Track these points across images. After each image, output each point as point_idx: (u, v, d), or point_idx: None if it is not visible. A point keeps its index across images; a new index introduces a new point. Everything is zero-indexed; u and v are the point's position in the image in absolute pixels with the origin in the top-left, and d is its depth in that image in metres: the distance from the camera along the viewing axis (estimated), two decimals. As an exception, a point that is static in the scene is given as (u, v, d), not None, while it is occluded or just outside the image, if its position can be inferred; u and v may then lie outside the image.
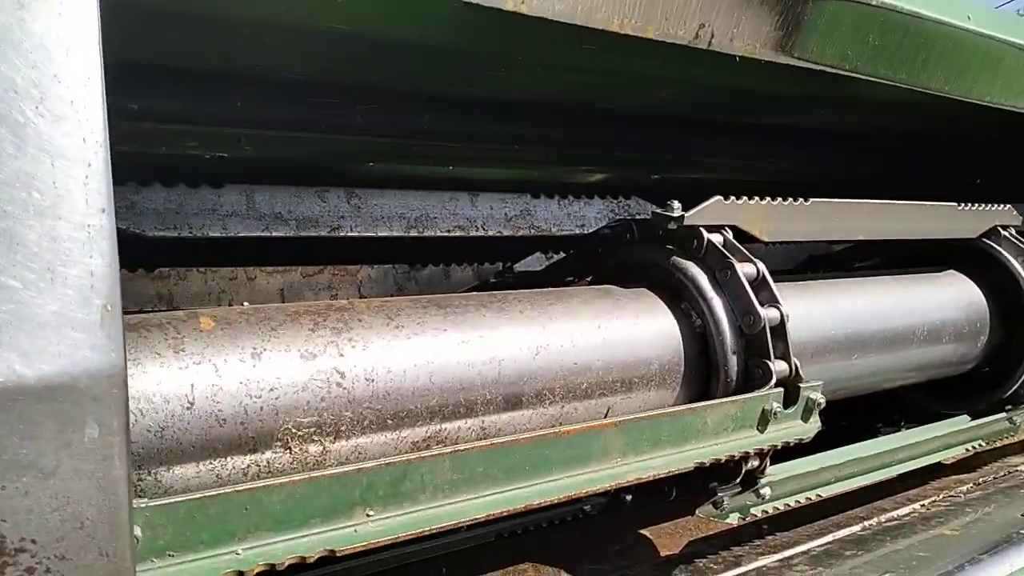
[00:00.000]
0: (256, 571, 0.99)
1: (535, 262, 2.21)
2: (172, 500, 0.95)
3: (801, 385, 1.67)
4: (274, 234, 1.49)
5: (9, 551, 0.72)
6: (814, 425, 1.69)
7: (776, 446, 1.63)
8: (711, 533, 1.98)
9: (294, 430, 1.19)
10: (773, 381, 1.63)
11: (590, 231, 1.92)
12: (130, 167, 1.47)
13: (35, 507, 0.73)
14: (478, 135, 1.95)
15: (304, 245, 1.55)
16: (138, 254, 1.47)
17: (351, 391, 1.26)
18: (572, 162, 2.22)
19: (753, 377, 1.66)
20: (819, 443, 1.90)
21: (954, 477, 2.29)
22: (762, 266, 1.73)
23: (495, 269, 2.21)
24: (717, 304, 1.69)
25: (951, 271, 2.42)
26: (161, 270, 1.74)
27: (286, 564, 1.01)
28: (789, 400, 1.66)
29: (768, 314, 1.67)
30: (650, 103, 2.03)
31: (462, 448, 1.21)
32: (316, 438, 1.21)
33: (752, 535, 1.90)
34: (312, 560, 1.03)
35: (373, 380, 1.29)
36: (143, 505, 0.92)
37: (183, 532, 0.95)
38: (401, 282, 2.04)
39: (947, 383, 2.45)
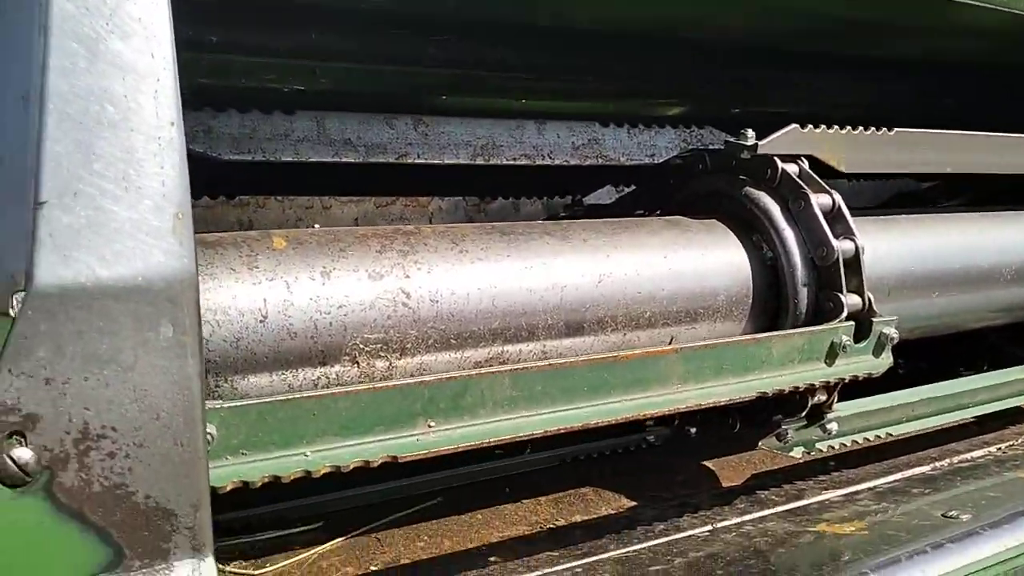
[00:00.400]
0: (323, 472, 1.05)
1: (605, 195, 2.20)
2: (245, 402, 1.01)
3: (874, 319, 1.64)
4: (344, 160, 1.53)
5: (92, 436, 0.78)
6: (886, 360, 1.66)
7: (844, 379, 1.61)
8: (775, 468, 1.97)
9: (361, 346, 1.24)
10: (844, 314, 1.60)
11: (660, 161, 1.89)
12: (208, 95, 1.52)
13: (115, 398, 0.79)
14: (550, 66, 1.93)
15: (373, 171, 1.59)
16: (215, 178, 1.53)
17: (416, 311, 1.30)
18: (645, 95, 2.18)
19: (824, 310, 1.64)
20: (899, 384, 1.87)
21: (1036, 423, 2.21)
22: (838, 197, 1.69)
23: (564, 203, 2.20)
24: (789, 235, 1.66)
25: (1046, 208, 2.29)
26: (241, 198, 1.81)
27: (351, 467, 1.07)
28: (861, 334, 1.63)
29: (842, 246, 1.63)
30: (728, 32, 1.97)
31: (521, 367, 1.24)
32: (382, 354, 1.26)
33: (817, 471, 1.88)
34: (376, 464, 1.09)
35: (437, 301, 1.33)
36: (218, 406, 0.98)
37: (255, 433, 1.01)
38: (471, 214, 2.06)
39: (1037, 326, 2.35)
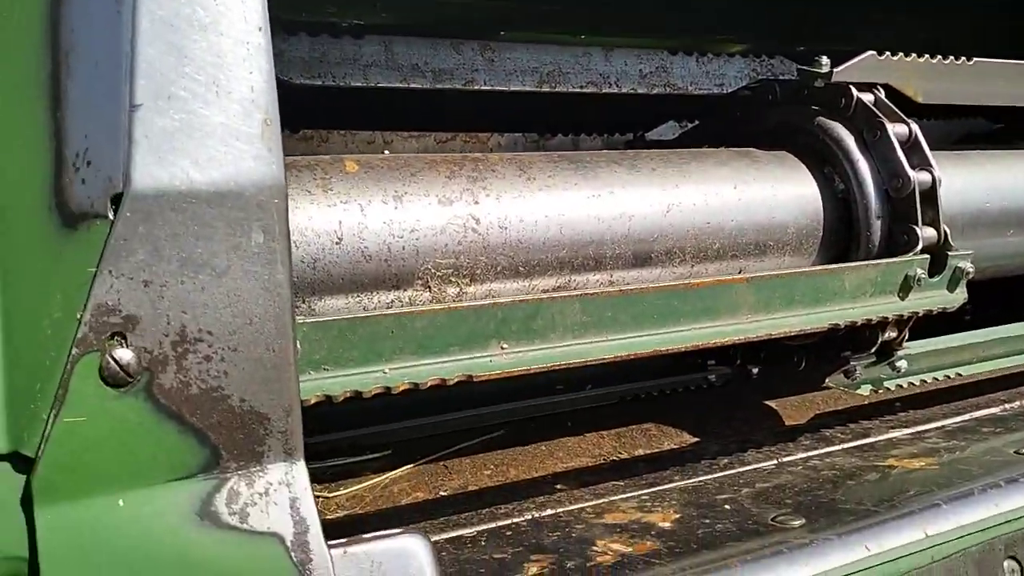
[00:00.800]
0: (401, 388, 1.06)
1: (668, 132, 2.15)
2: (326, 319, 1.02)
3: (949, 253, 1.59)
4: (411, 86, 1.51)
5: (190, 339, 0.80)
6: (960, 295, 1.62)
7: (917, 313, 1.57)
8: (838, 408, 1.95)
9: (433, 270, 1.24)
10: (919, 247, 1.56)
11: (729, 91, 1.84)
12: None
13: (210, 302, 0.80)
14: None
15: (439, 98, 1.57)
16: (286, 102, 1.53)
17: (486, 237, 1.30)
18: (712, 27, 2.11)
19: (898, 243, 1.60)
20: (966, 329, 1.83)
21: (1112, 367, 2.14)
22: (915, 127, 1.63)
23: (626, 139, 2.17)
24: (863, 166, 1.62)
25: None
26: (305, 132, 1.82)
27: (428, 384, 1.08)
28: (935, 268, 1.59)
29: (919, 177, 1.58)
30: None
31: (591, 292, 1.23)
32: (453, 279, 1.26)
33: (882, 412, 1.86)
34: (452, 382, 1.09)
35: (506, 228, 1.32)
36: (301, 321, 0.99)
37: (336, 349, 1.02)
38: (530, 150, 2.05)
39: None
